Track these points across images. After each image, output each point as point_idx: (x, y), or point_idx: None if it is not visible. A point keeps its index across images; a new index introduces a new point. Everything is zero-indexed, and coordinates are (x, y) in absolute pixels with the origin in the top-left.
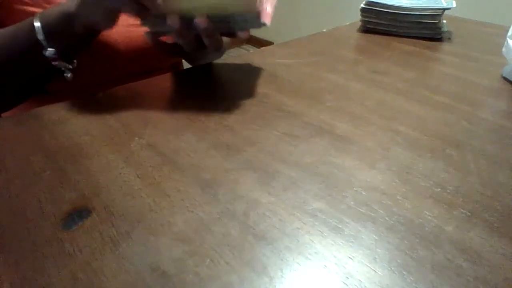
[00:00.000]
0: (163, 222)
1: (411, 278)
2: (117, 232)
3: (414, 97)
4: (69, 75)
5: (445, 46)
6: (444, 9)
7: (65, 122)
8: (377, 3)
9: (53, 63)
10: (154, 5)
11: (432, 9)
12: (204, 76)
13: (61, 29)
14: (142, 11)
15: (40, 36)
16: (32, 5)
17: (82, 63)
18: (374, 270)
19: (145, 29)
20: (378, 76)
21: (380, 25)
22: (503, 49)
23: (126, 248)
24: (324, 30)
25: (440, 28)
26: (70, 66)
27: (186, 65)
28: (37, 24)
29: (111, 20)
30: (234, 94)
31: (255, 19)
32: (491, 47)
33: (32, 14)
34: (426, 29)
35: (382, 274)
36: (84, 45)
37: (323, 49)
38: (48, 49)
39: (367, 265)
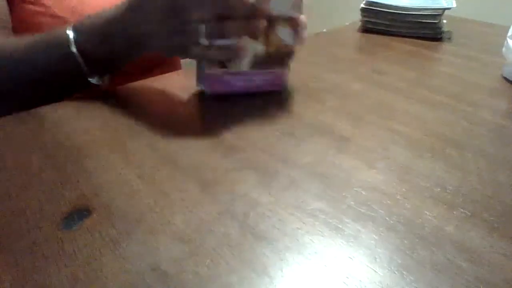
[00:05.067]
0: (163, 222)
1: (411, 278)
2: (117, 232)
3: (414, 97)
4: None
5: (445, 46)
6: (444, 9)
7: (65, 122)
8: (377, 3)
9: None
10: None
11: (432, 9)
12: None
13: (104, 55)
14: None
15: (83, 66)
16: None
17: None
18: (374, 270)
19: None
20: (378, 76)
21: (380, 25)
22: (503, 49)
23: (126, 248)
24: (324, 30)
25: (440, 28)
26: (106, 79)
27: (184, 63)
28: (74, 50)
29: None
30: (234, 94)
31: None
32: (491, 47)
33: (39, 14)
34: (426, 29)
35: (382, 274)
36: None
37: (323, 49)
38: (92, 78)
39: (367, 265)
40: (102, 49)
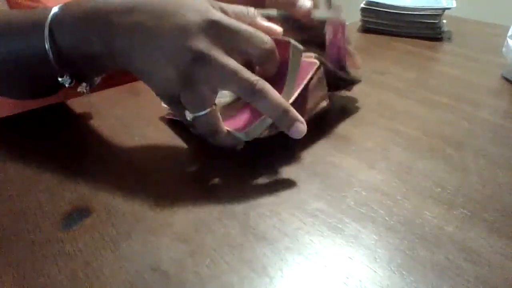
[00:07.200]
0: (163, 222)
1: (411, 278)
2: (117, 232)
3: (414, 97)
4: (84, 90)
5: (445, 46)
6: (444, 9)
7: (65, 122)
8: (377, 3)
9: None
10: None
11: (432, 9)
12: None
13: (78, 55)
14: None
15: (52, 62)
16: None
17: None
18: (374, 270)
19: None
20: (378, 76)
21: (380, 25)
22: (503, 49)
23: (126, 248)
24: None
25: (440, 28)
26: (87, 87)
27: None
28: (47, 45)
29: None
30: None
31: None
32: (491, 47)
33: (30, 7)
34: (426, 29)
35: (382, 274)
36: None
37: None
38: (62, 78)
39: (367, 265)
40: (77, 47)
